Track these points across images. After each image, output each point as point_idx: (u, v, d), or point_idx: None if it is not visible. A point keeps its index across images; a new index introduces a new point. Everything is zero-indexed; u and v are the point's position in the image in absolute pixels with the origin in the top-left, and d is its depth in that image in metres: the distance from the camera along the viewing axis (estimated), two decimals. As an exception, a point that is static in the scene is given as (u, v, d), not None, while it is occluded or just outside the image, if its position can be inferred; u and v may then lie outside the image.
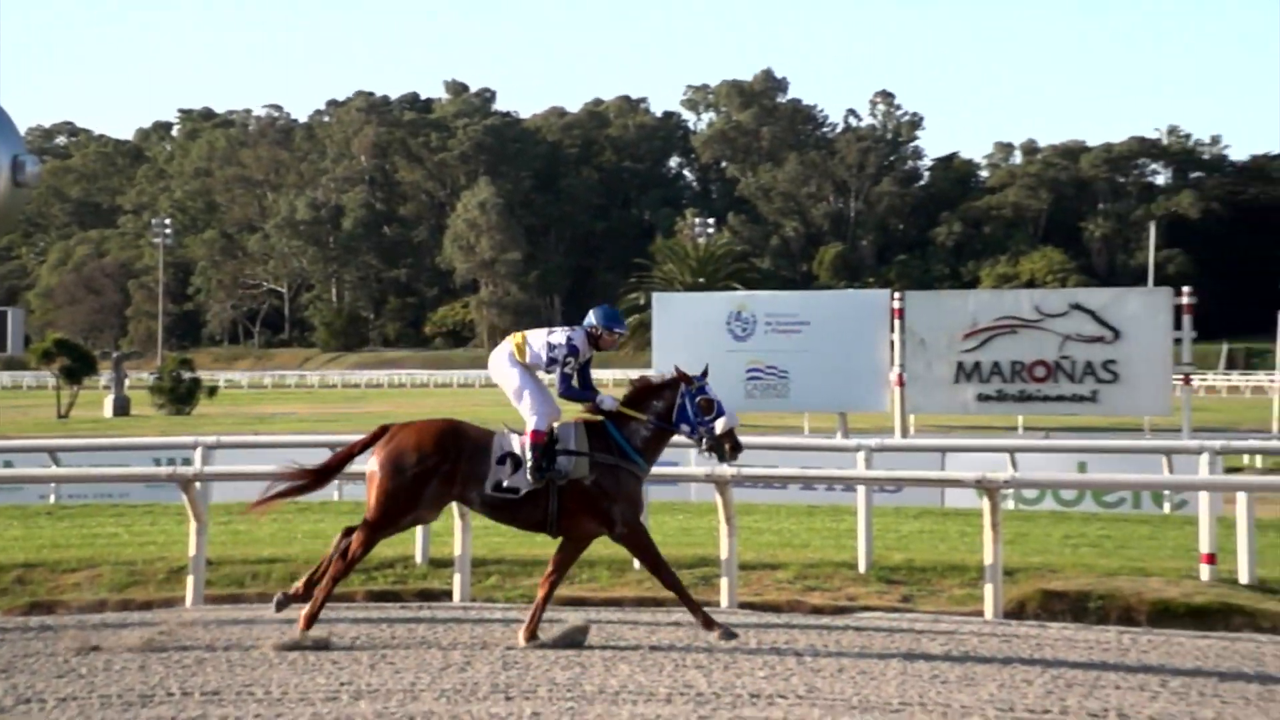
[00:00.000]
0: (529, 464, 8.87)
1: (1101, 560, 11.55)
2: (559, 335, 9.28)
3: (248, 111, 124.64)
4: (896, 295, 18.14)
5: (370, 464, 9.18)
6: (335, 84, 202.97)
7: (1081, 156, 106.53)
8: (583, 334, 9.30)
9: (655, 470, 9.69)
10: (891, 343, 17.82)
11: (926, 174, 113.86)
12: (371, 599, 11.17)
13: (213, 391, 56.50)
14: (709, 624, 8.84)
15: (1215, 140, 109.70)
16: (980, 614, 10.07)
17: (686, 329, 18.99)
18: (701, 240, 76.70)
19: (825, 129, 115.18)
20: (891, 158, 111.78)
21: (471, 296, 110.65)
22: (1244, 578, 10.84)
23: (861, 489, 12.00)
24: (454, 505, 10.94)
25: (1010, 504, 14.23)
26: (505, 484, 8.92)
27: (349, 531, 9.22)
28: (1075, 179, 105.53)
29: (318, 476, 9.57)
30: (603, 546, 12.58)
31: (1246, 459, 20.55)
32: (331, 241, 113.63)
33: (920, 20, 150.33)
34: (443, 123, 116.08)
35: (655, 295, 21.54)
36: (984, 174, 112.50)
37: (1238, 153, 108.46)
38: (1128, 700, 7.47)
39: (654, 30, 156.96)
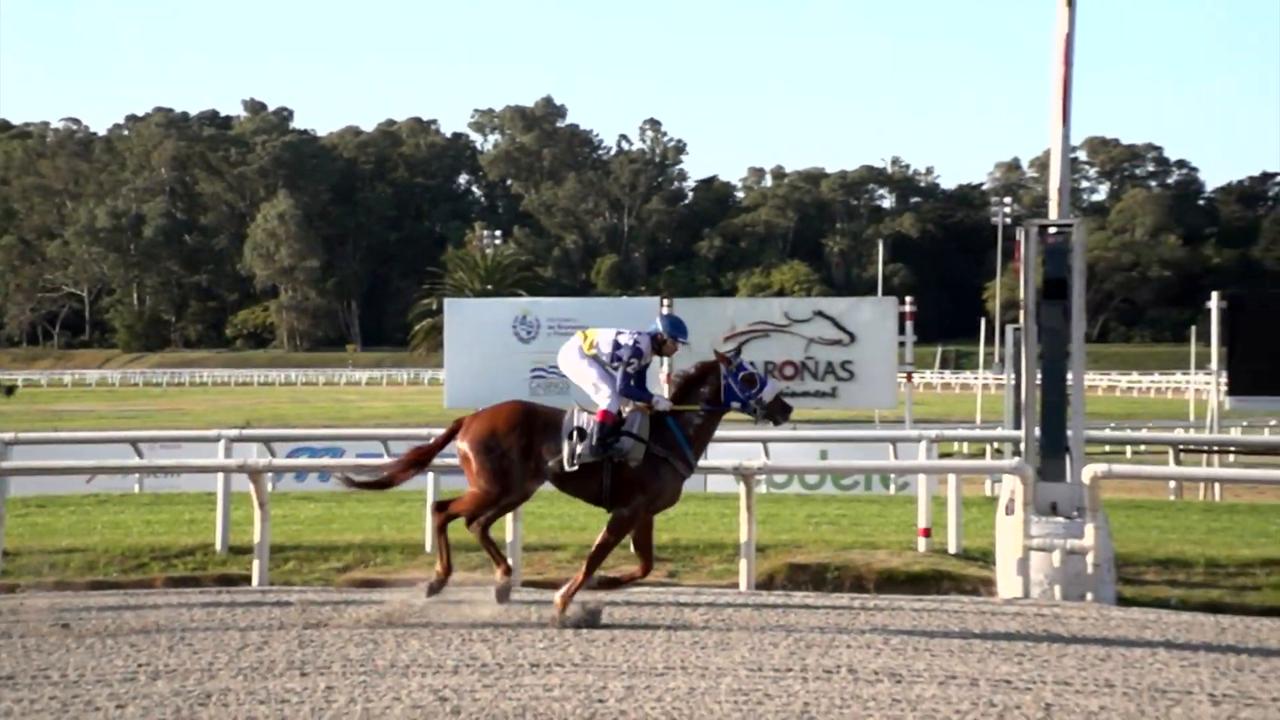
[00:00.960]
0: (593, 439, 8.79)
1: (838, 536, 11.87)
2: (626, 336, 9.15)
3: (45, 124, 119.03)
4: (665, 302, 18.29)
5: (460, 445, 9.09)
6: (134, 100, 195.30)
7: (822, 181, 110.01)
8: (649, 339, 9.18)
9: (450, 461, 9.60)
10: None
11: (690, 194, 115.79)
12: (171, 584, 10.77)
13: (10, 390, 53.80)
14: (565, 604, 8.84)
15: (929, 170, 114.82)
16: (736, 586, 10.28)
17: (476, 332, 18.88)
18: (489, 251, 76.19)
19: (600, 151, 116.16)
20: (659, 179, 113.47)
21: (271, 301, 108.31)
22: (952, 548, 11.34)
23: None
24: (252, 494, 10.68)
25: (763, 488, 14.49)
26: (576, 457, 8.83)
27: (440, 506, 9.26)
28: (817, 201, 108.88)
29: (406, 469, 9.50)
30: (395, 531, 12.46)
31: (956, 445, 21.46)
32: (132, 248, 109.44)
33: (684, 55, 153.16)
34: (242, 139, 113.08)
35: (447, 300, 21.30)
36: (740, 195, 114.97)
37: (947, 182, 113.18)
38: (857, 657, 7.78)
39: (444, 57, 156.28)
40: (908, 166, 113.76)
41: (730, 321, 17.83)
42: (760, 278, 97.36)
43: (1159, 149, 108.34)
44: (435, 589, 9.02)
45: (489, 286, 60.01)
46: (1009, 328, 14.51)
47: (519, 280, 71.29)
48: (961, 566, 10.76)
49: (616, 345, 9.03)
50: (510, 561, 9.33)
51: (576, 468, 8.81)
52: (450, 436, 9.32)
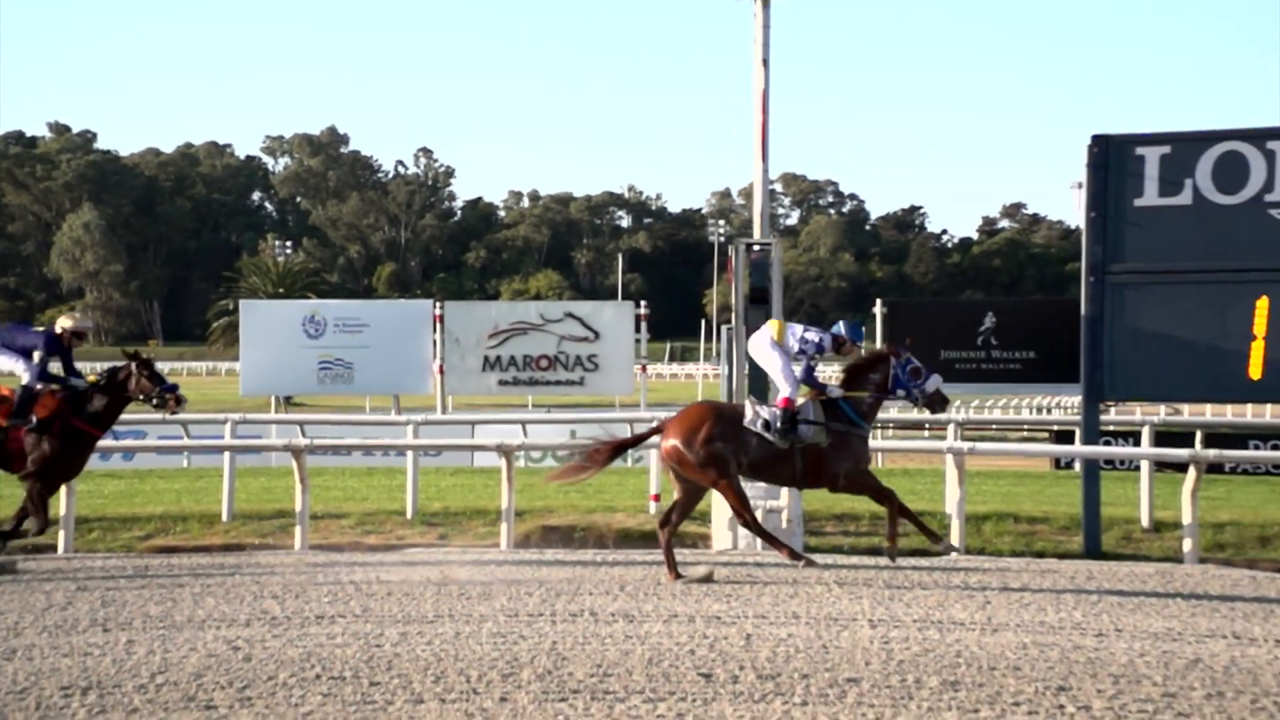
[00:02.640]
0: (777, 424, 8.41)
1: (584, 502, 11.94)
2: (813, 334, 8.77)
3: None
4: (437, 304, 18.01)
5: (669, 444, 8.61)
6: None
7: (570, 203, 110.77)
8: (831, 339, 8.79)
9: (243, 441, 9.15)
10: (434, 341, 17.72)
11: (459, 212, 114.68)
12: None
13: None
14: (794, 555, 8.67)
15: (659, 196, 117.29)
16: (497, 545, 10.22)
17: (269, 330, 18.20)
18: (281, 259, 73.30)
19: (380, 174, 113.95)
20: (432, 199, 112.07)
21: (78, 301, 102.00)
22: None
23: (410, 454, 11.88)
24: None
25: (521, 463, 14.43)
26: (774, 441, 8.45)
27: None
28: (566, 220, 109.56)
29: (606, 458, 9.01)
30: (194, 504, 11.90)
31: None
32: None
33: (453, 92, 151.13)
34: (47, 157, 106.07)
35: (242, 302, 20.40)
36: (501, 213, 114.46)
37: (673, 206, 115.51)
38: (598, 602, 7.81)
39: (239, 88, 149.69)
40: (641, 193, 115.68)
41: (494, 321, 17.69)
42: (519, 284, 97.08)
43: (836, 184, 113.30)
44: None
45: (280, 290, 57.77)
46: (723, 327, 14.83)
47: (308, 285, 68.89)
48: (684, 525, 10.90)
49: (804, 340, 8.76)
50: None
51: (767, 453, 8.51)
52: (650, 435, 9.05)
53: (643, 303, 18.89)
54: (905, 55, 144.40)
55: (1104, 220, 10.22)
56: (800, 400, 8.67)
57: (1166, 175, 10.09)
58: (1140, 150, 10.17)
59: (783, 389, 8.68)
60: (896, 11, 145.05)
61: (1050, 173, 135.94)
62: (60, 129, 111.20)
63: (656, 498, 11.61)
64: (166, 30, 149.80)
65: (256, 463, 15.30)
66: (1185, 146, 10.11)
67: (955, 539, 9.89)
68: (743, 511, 8.75)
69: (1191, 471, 9.73)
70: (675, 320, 75.68)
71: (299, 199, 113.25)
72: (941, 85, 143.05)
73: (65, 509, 10.01)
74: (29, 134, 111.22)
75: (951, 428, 14.00)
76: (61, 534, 10.06)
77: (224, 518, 11.30)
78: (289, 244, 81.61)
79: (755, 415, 8.59)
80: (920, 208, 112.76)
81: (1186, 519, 9.62)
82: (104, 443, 9.84)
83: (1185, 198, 10.06)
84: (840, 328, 9.08)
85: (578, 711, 5.50)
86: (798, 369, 8.80)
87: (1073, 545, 10.23)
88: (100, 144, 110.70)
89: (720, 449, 8.50)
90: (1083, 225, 10.53)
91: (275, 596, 8.00)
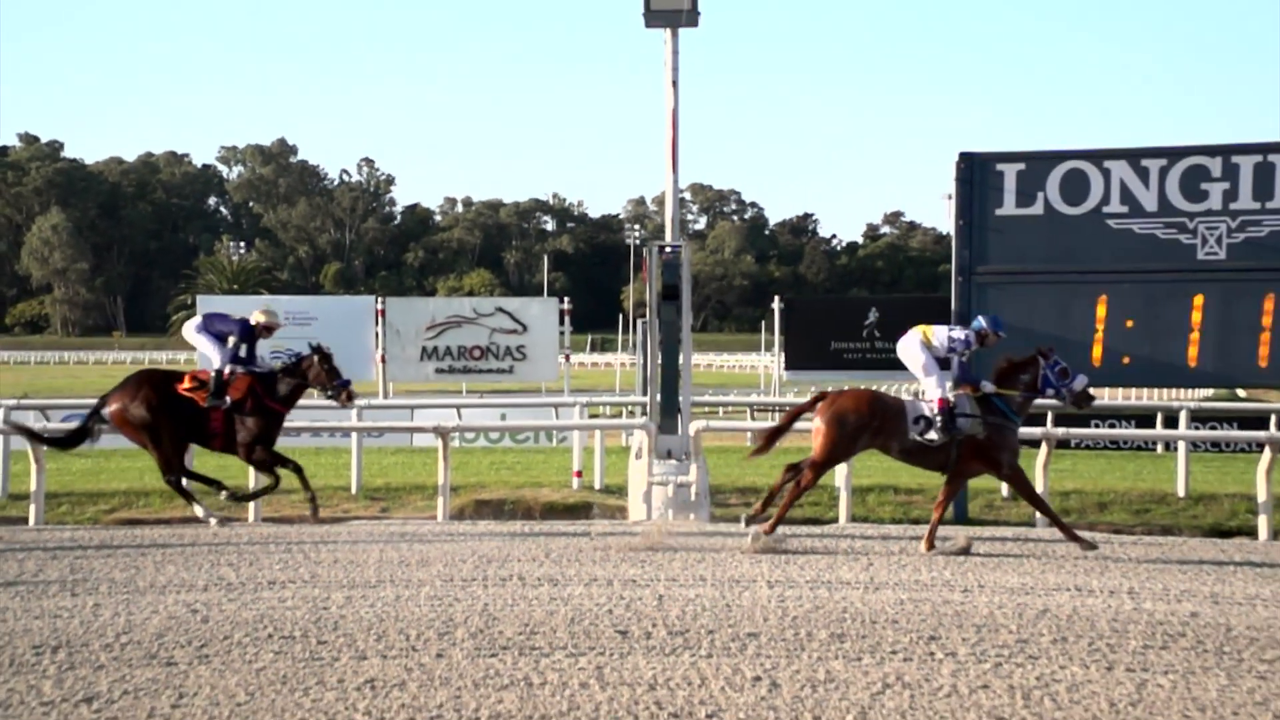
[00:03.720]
0: (939, 424, 8.22)
1: (514, 478, 11.88)
2: (959, 333, 8.53)
3: None
4: (379, 300, 17.78)
5: (815, 421, 8.51)
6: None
7: (501, 209, 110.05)
8: (974, 334, 8.56)
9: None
10: (376, 333, 17.50)
11: (399, 216, 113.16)
12: (-44, 526, 9.69)
13: None
14: (1074, 538, 8.41)
15: (580, 203, 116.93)
16: (434, 518, 10.10)
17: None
18: (235, 258, 71.85)
19: (326, 181, 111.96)
20: (374, 204, 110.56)
21: (47, 295, 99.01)
22: (597, 485, 11.52)
23: (354, 435, 11.71)
24: (30, 449, 9.74)
25: (456, 443, 14.31)
26: (924, 437, 8.28)
27: (792, 467, 8.65)
28: (497, 224, 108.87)
29: (774, 434, 8.93)
30: (155, 481, 11.61)
31: (601, 409, 21.81)
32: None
33: (394, 105, 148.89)
34: (18, 164, 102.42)
35: (199, 298, 19.95)
36: (438, 218, 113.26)
37: (594, 212, 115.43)
38: (526, 568, 7.78)
39: (195, 102, 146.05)
40: (565, 199, 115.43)
41: (432, 315, 17.54)
42: (454, 282, 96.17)
43: (739, 193, 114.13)
44: (750, 521, 8.68)
45: (235, 287, 56.70)
46: (639, 321, 14.91)
47: (260, 282, 67.74)
48: (604, 499, 10.95)
49: (952, 340, 8.56)
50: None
51: (926, 444, 8.36)
52: (808, 408, 8.75)
53: (566, 299, 18.83)
54: (801, 79, 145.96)
55: (970, 227, 10.42)
56: (954, 396, 8.48)
57: (1022, 189, 10.32)
58: (1000, 167, 10.38)
59: (933, 390, 8.46)
60: (793, 40, 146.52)
61: (925, 185, 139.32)
62: (29, 139, 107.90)
63: (579, 474, 11.60)
64: (129, 47, 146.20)
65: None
66: (1037, 164, 10.35)
67: (843, 511, 10.01)
68: (814, 476, 8.59)
69: (1043, 447, 9.99)
70: (596, 315, 75.51)
71: (252, 204, 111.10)
72: (832, 107, 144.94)
73: (35, 485, 9.71)
74: (0, 144, 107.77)
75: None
76: (32, 507, 9.75)
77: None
78: (243, 245, 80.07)
79: (916, 415, 8.42)
80: (813, 215, 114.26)
81: (1039, 488, 9.87)
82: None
83: (1038, 208, 10.30)
84: (981, 322, 8.86)
85: (507, 666, 5.48)
86: (951, 366, 8.61)
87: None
88: (67, 153, 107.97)
89: (849, 438, 8.39)
90: (952, 232, 10.73)
91: (231, 564, 7.85)
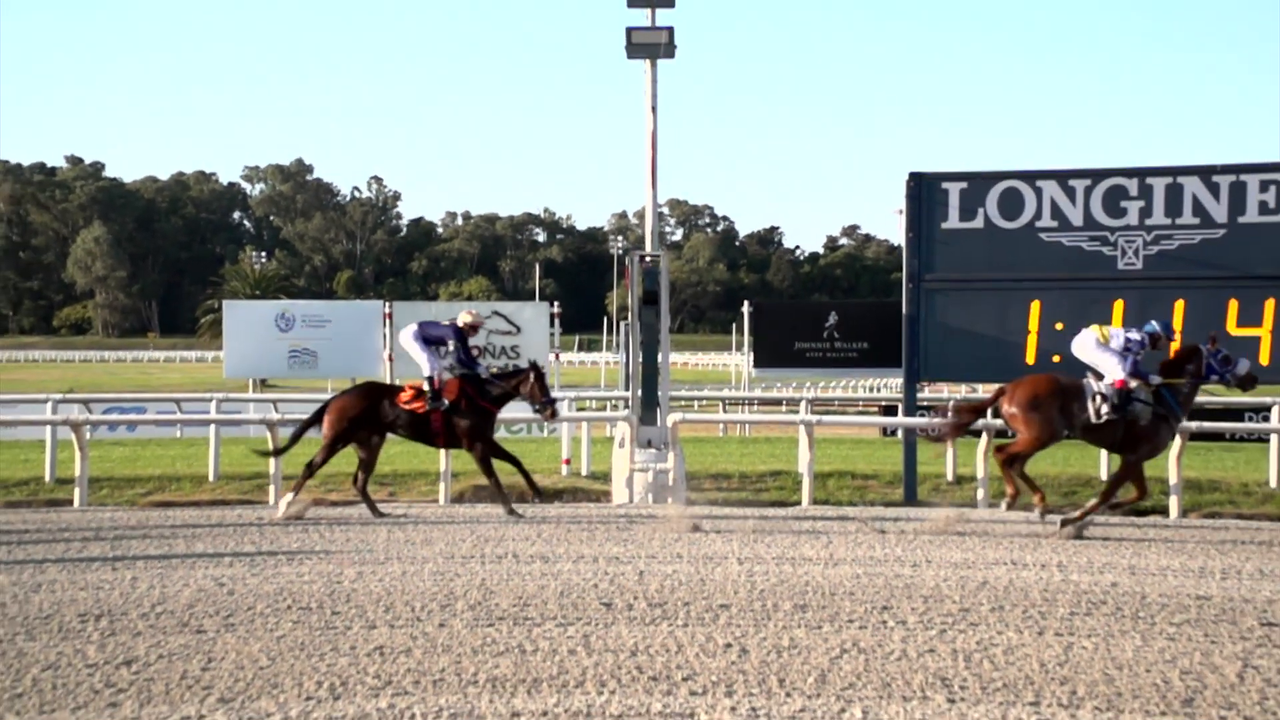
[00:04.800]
0: (1113, 401, 8.09)
1: (508, 465, 11.81)
2: (1135, 334, 8.34)
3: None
4: (387, 304, 17.72)
5: (1010, 409, 8.30)
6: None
7: (496, 222, 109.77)
8: (1148, 336, 8.37)
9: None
10: (384, 334, 17.44)
11: (404, 228, 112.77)
12: (9, 506, 9.68)
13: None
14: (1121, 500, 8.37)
15: (569, 216, 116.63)
16: (436, 501, 10.07)
17: (248, 325, 17.77)
18: (257, 267, 71.17)
19: (339, 197, 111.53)
20: (382, 217, 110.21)
21: (89, 300, 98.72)
22: (584, 472, 11.48)
23: (363, 426, 11.60)
24: (74, 441, 9.65)
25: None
26: (1100, 415, 8.16)
27: (1001, 450, 8.47)
28: (494, 235, 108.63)
29: (967, 420, 8.84)
30: (186, 466, 11.52)
31: (588, 402, 21.77)
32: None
33: (401, 127, 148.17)
34: (65, 183, 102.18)
35: (225, 303, 19.79)
36: (440, 230, 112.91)
37: (581, 224, 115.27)
38: (520, 546, 7.77)
39: (222, 126, 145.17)
40: (554, 213, 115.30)
41: (435, 318, 17.51)
42: (455, 288, 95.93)
43: (712, 207, 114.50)
44: (1010, 506, 8.51)
45: (257, 292, 56.12)
46: (622, 324, 14.90)
47: (280, 288, 67.06)
48: (590, 484, 10.93)
49: (1128, 340, 8.32)
50: (1043, 491, 8.63)
51: (1102, 421, 8.18)
52: (991, 402, 8.57)
53: (556, 303, 18.75)
54: (768, 105, 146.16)
55: (919, 239, 10.47)
56: (1134, 384, 8.30)
57: (965, 205, 10.37)
58: (945, 185, 10.43)
59: (1116, 374, 8.27)
60: (761, 70, 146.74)
61: (879, 201, 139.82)
62: (75, 160, 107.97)
63: (568, 461, 11.58)
64: (165, 78, 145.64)
65: (238, 434, 14.89)
66: (977, 183, 10.40)
67: (805, 495, 10.02)
68: (1016, 459, 8.40)
69: (984, 436, 10.05)
70: (582, 318, 75.35)
71: (272, 217, 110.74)
72: (796, 130, 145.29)
73: (79, 470, 9.68)
74: (49, 165, 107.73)
75: (803, 404, 14.22)
76: (77, 491, 9.72)
77: (211, 478, 10.97)
78: (264, 255, 79.55)
79: (1095, 390, 8.26)
80: (778, 228, 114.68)
81: (980, 473, 9.93)
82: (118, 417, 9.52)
83: (979, 223, 10.36)
84: (1155, 326, 8.62)
85: (503, 634, 5.47)
86: (1125, 364, 8.34)
87: (895, 496, 10.45)
88: (108, 172, 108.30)
89: (1053, 418, 8.21)
90: (903, 243, 10.78)
91: (253, 542, 7.82)
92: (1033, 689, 4.67)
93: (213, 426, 11.37)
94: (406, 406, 9.09)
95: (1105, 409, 8.22)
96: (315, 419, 9.24)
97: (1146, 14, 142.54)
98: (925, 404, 15.16)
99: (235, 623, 5.64)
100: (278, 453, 9.56)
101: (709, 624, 5.67)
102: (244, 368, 17.82)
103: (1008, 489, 8.50)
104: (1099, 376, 8.40)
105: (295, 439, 9.45)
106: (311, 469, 9.14)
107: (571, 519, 9.06)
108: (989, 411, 8.99)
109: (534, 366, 9.33)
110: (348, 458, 10.55)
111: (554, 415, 9.37)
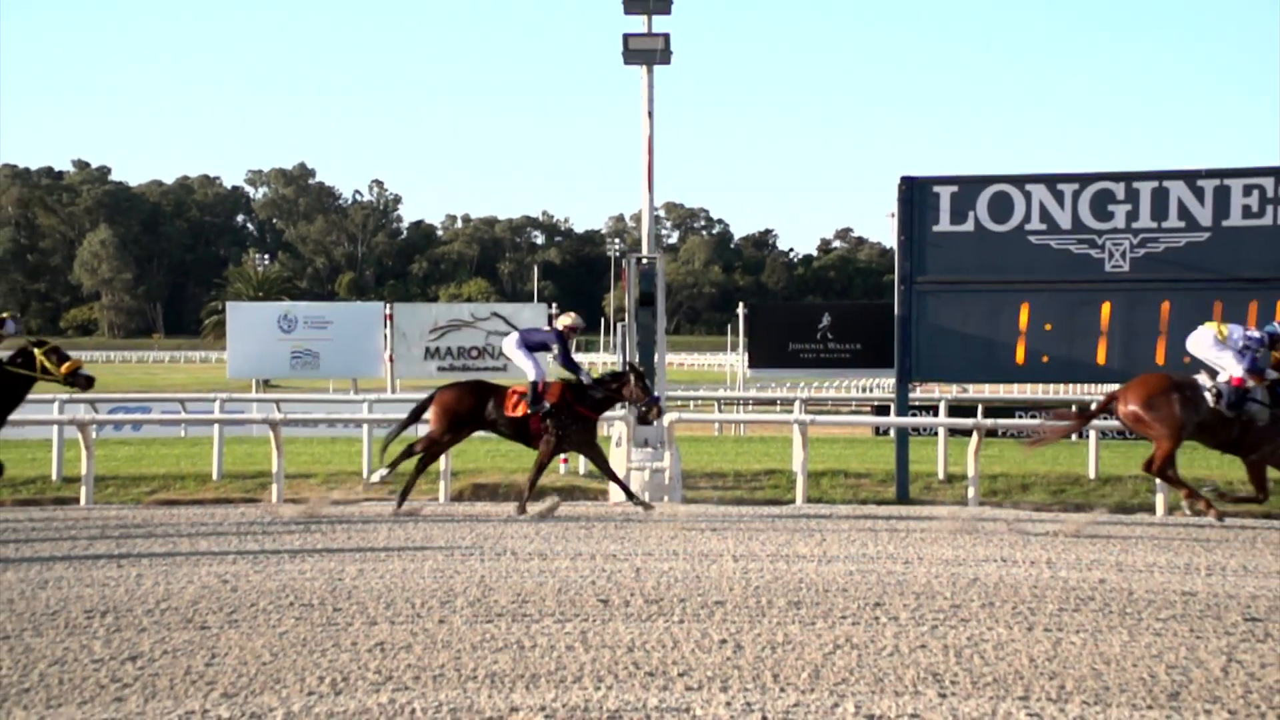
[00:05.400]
0: (1229, 399, 7.99)
1: (508, 464, 11.84)
2: (1255, 333, 8.25)
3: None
4: (388, 306, 17.75)
5: (1129, 409, 8.17)
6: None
7: (495, 224, 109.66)
8: (1268, 335, 8.27)
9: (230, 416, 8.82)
10: (385, 335, 17.44)
11: (405, 231, 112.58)
12: (18, 504, 9.68)
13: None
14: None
15: (567, 219, 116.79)
16: (437, 499, 10.06)
17: (251, 326, 17.83)
18: (260, 269, 71.18)
19: (341, 201, 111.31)
20: (383, 220, 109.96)
21: (95, 302, 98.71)
22: (582, 470, 11.46)
23: (365, 426, 11.65)
24: (80, 440, 9.63)
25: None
26: (1216, 408, 8.04)
27: (1148, 465, 8.34)
28: (493, 238, 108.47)
29: (1075, 426, 8.80)
30: (190, 465, 11.50)
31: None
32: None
33: (401, 131, 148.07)
34: (72, 187, 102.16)
35: (229, 304, 19.85)
36: (440, 232, 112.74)
37: (579, 227, 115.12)
38: (518, 543, 7.78)
39: (226, 129, 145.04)
40: (552, 216, 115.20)
41: (434, 319, 17.53)
42: (455, 289, 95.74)
43: (707, 210, 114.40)
44: (1194, 510, 8.32)
45: (260, 294, 56.06)
46: (619, 325, 14.87)
47: (282, 290, 66.96)
48: (588, 482, 10.91)
49: (1247, 338, 8.19)
50: (1203, 491, 8.40)
51: (1218, 419, 8.04)
52: (1104, 407, 8.45)
53: (554, 305, 18.79)
54: (763, 109, 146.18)
55: (911, 242, 10.48)
56: (1251, 383, 8.17)
57: (955, 208, 10.39)
58: (936, 189, 10.44)
59: (1234, 368, 8.15)
60: (755, 75, 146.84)
61: (871, 204, 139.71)
62: (81, 164, 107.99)
63: (565, 460, 11.56)
64: (170, 83, 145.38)
65: (241, 433, 14.88)
66: (968, 187, 10.42)
67: (799, 493, 10.02)
68: (1165, 466, 8.26)
69: (974, 435, 10.06)
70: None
71: (275, 220, 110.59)
72: (790, 134, 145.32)
73: (86, 469, 9.67)
74: (56, 169, 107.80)
75: (797, 404, 14.23)
76: (83, 489, 9.69)
77: (214, 477, 10.97)
78: (267, 257, 79.70)
79: (1212, 388, 8.14)
80: (773, 230, 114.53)
81: (970, 472, 9.94)
82: (138, 415, 9.51)
83: (969, 226, 10.37)
84: (1276, 326, 8.44)
85: (501, 631, 5.47)
86: (1244, 361, 8.23)
87: (888, 494, 10.45)
88: (114, 176, 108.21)
89: (1177, 413, 8.08)
90: (895, 246, 10.78)
91: (256, 540, 7.81)
92: (1022, 684, 4.68)
93: (216, 426, 11.37)
94: (510, 410, 9.09)
95: (1221, 406, 8.07)
96: (420, 411, 9.30)
97: (1136, 22, 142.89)
98: (918, 404, 15.20)
99: (238, 619, 5.63)
100: (387, 442, 9.49)
101: (704, 620, 5.67)
102: (247, 368, 17.85)
103: (1181, 494, 8.40)
104: (1213, 374, 8.28)
105: (401, 430, 9.42)
106: (413, 454, 9.25)
107: (569, 517, 9.04)
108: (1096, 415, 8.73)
109: (633, 368, 9.30)
110: (342, 455, 10.53)
111: (660, 414, 9.25)
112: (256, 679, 4.68)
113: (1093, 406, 8.98)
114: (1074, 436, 10.66)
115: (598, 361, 48.11)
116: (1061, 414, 9.20)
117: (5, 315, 8.68)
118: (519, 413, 9.06)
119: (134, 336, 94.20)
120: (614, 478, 9.32)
